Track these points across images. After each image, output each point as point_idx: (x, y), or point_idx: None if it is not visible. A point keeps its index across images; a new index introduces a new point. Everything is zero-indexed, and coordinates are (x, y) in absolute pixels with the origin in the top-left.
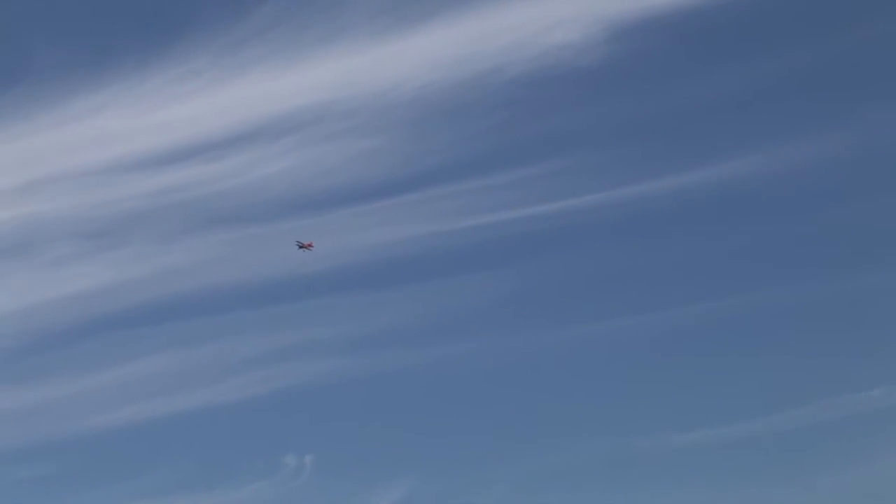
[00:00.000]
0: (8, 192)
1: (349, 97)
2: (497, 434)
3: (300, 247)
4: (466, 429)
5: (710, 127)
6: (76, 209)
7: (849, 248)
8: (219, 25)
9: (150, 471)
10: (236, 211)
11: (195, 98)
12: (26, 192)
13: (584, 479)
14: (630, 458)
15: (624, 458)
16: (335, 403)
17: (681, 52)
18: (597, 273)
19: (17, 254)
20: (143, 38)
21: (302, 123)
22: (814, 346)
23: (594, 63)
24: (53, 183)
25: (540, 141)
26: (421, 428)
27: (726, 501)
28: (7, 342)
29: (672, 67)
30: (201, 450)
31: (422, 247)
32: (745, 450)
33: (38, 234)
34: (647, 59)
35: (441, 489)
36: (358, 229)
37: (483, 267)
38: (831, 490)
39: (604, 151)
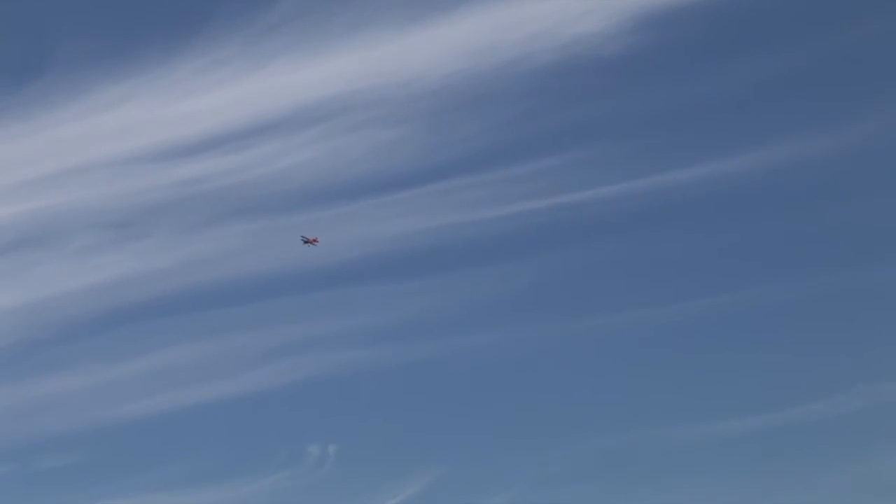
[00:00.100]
0: (32, 183)
1: (373, 87)
2: (519, 424)
3: (305, 241)
4: (487, 420)
5: (737, 117)
6: (100, 200)
7: (859, 244)
8: (243, 16)
9: (173, 461)
10: (260, 201)
11: (219, 88)
12: (50, 183)
13: (602, 472)
14: (647, 453)
15: (641, 452)
16: (359, 394)
17: (707, 41)
18: (619, 264)
19: (41, 244)
20: (167, 28)
21: (326, 114)
22: (819, 342)
23: (619, 53)
24: (77, 173)
25: (564, 131)
26: (444, 419)
27: (740, 495)
28: (31, 332)
29: (697, 57)
30: (224, 440)
31: (445, 237)
32: (765, 443)
33: (62, 225)
34: (672, 49)
35: (463, 480)
36: (381, 219)
37: (508, 257)
38: (831, 486)
39: (628, 142)
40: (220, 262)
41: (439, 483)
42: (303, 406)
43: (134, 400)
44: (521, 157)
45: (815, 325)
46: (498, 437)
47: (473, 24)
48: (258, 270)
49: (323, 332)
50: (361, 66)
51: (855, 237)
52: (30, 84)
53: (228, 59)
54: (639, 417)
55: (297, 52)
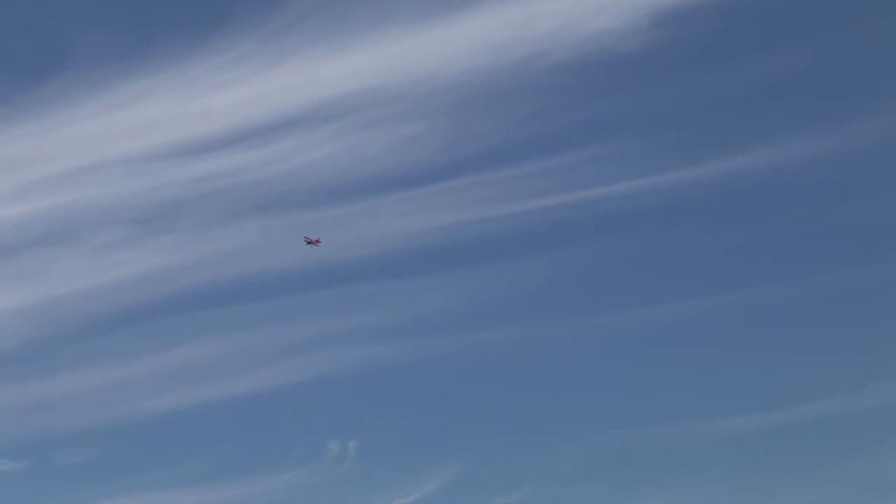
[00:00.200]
0: (51, 180)
1: (390, 84)
2: (533, 421)
3: (308, 242)
4: (502, 416)
5: (751, 114)
6: (118, 197)
7: (870, 242)
8: (260, 13)
9: (193, 457)
10: (277, 198)
11: (237, 86)
12: (69, 180)
13: (614, 470)
14: (658, 450)
15: (653, 450)
16: (379, 389)
17: (722, 38)
18: (634, 262)
19: (59, 241)
20: (186, 25)
21: (344, 110)
22: (828, 340)
23: (634, 50)
24: (96, 171)
25: (579, 128)
26: (461, 415)
27: (749, 493)
28: (50, 329)
29: (713, 54)
30: (244, 436)
31: (461, 234)
32: (773, 441)
33: (81, 222)
34: (688, 46)
35: (479, 477)
36: (397, 216)
37: (523, 254)
38: (838, 484)
39: (644, 139)
40: (238, 259)
41: (456, 480)
42: (322, 402)
43: (152, 396)
44: (536, 154)
45: (826, 323)
46: (513, 434)
47: (489, 21)
48: (276, 267)
49: (341, 328)
50: (378, 63)
51: (865, 235)
52: (48, 81)
53: (245, 56)
54: (651, 415)
55: (314, 49)
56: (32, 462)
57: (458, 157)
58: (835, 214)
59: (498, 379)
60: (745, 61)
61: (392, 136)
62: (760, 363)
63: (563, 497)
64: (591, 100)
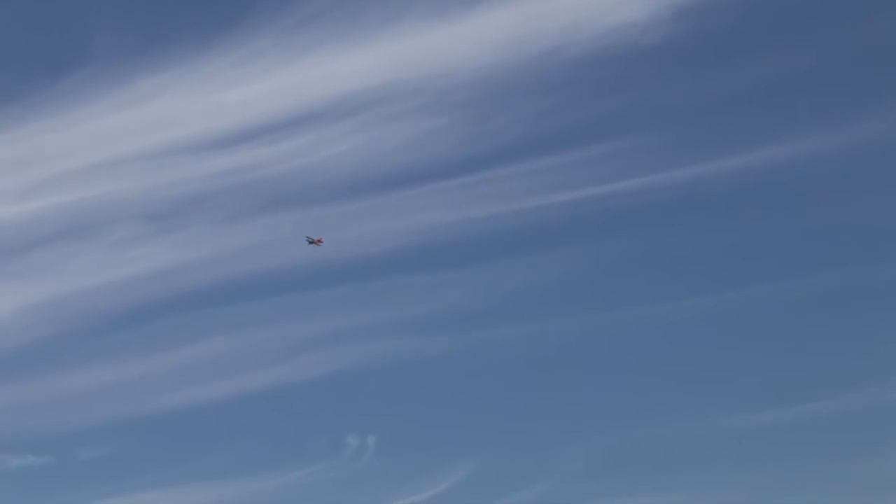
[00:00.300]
0: (69, 176)
1: (408, 79)
2: (551, 417)
3: (310, 242)
4: (521, 411)
5: (773, 109)
6: (138, 191)
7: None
8: (280, 7)
9: (211, 453)
10: (298, 193)
11: (256, 80)
12: (87, 176)
13: (632, 466)
14: (677, 446)
15: (672, 446)
16: (398, 384)
17: (747, 31)
18: (654, 257)
19: (79, 236)
20: (203, 21)
21: (363, 105)
22: (842, 338)
23: (654, 43)
24: (114, 166)
25: (599, 122)
26: (479, 409)
27: (770, 488)
28: (69, 325)
29: (734, 48)
30: (263, 430)
31: (479, 228)
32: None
33: (99, 217)
34: (708, 39)
35: (497, 472)
36: (416, 211)
37: (543, 249)
38: (844, 481)
39: (665, 133)
40: (257, 254)
41: (474, 476)
42: (340, 398)
43: (170, 392)
44: (554, 150)
45: (837, 321)
46: (531, 429)
47: (508, 14)
48: (292, 263)
49: (357, 323)
50: (396, 57)
51: (887, 230)
52: (66, 77)
53: (264, 50)
54: (666, 412)
55: (333, 43)
56: (53, 457)
57: (475, 153)
58: (859, 210)
59: (514, 375)
60: (768, 56)
61: (409, 132)
62: (780, 360)
63: (579, 493)
64: (609, 95)
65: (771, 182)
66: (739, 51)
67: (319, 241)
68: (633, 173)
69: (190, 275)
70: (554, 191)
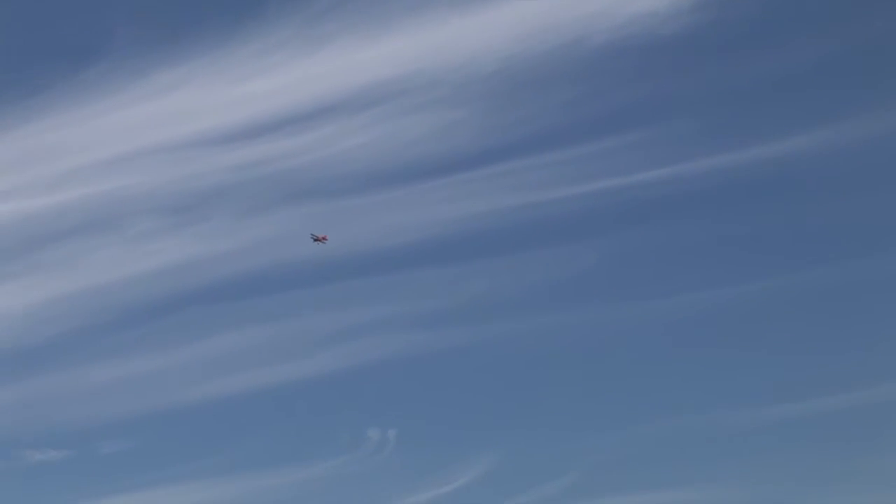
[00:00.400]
0: (90, 168)
1: (431, 69)
2: (576, 408)
3: (315, 239)
4: (545, 403)
5: (800, 98)
6: (160, 184)
7: None
8: None
9: (232, 447)
10: (319, 185)
11: (277, 71)
12: (108, 168)
13: (658, 457)
14: (703, 437)
15: (698, 436)
16: (418, 377)
17: (768, 19)
18: (681, 246)
19: (101, 229)
20: (223, 12)
21: (384, 96)
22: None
23: (676, 33)
24: (135, 158)
25: (622, 112)
26: (502, 402)
27: (801, 475)
28: (90, 318)
29: (756, 37)
30: (284, 424)
31: (503, 220)
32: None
33: (121, 210)
34: (734, 27)
35: (520, 465)
36: (439, 202)
37: (567, 240)
38: (869, 474)
39: (689, 121)
40: (279, 246)
41: (497, 469)
42: (362, 390)
43: (193, 385)
44: (576, 140)
45: (864, 314)
46: (555, 422)
47: (530, 5)
48: (317, 254)
49: (383, 315)
50: (418, 48)
51: None
52: (87, 69)
53: (285, 42)
54: (696, 403)
55: (354, 34)
56: (74, 451)
57: (497, 144)
58: (884, 199)
59: (539, 366)
60: (789, 46)
61: (431, 123)
62: (813, 347)
63: (605, 486)
64: (629, 85)
65: (802, 170)
66: (760, 41)
67: (324, 238)
68: (659, 163)
69: (210, 268)
70: (575, 182)
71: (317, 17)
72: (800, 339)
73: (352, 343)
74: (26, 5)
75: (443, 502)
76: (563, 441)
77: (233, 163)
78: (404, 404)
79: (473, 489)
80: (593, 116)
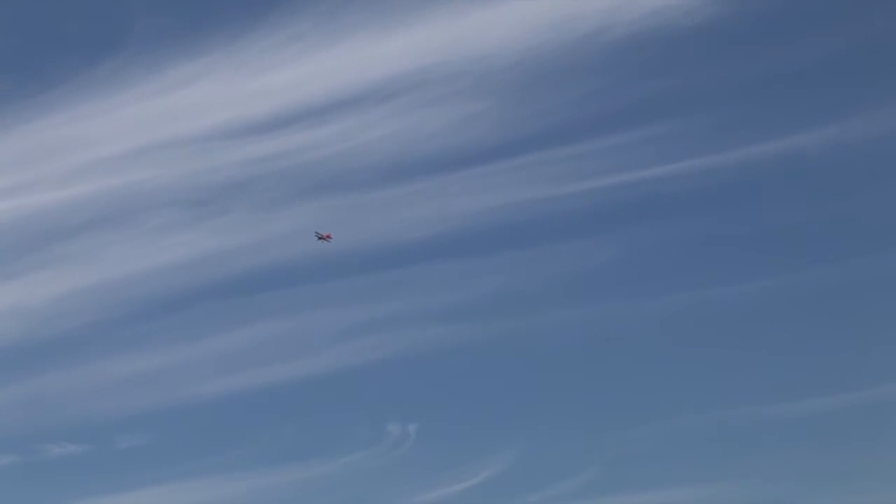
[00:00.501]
0: (108, 161)
1: (451, 61)
2: (597, 402)
3: (319, 238)
4: (566, 397)
5: (823, 90)
6: (176, 178)
7: None
8: None
9: (250, 441)
10: (340, 177)
11: (296, 64)
12: (127, 161)
13: (678, 453)
14: (725, 433)
15: (720, 432)
16: (438, 371)
17: (791, 11)
18: (701, 240)
19: (117, 223)
20: (241, 4)
21: (404, 88)
22: None
23: (699, 24)
24: (153, 151)
25: (643, 105)
26: (523, 396)
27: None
28: (108, 312)
29: (778, 29)
30: (304, 419)
31: (524, 213)
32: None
33: (140, 203)
34: (756, 18)
35: (541, 461)
36: (459, 195)
37: (587, 234)
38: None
39: (710, 115)
40: (297, 240)
41: (518, 464)
42: (382, 385)
43: (210, 380)
44: (598, 133)
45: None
46: (575, 417)
47: None
48: (335, 247)
49: (401, 309)
50: (436, 40)
51: None
52: (104, 62)
53: (302, 34)
54: (718, 397)
55: (373, 26)
56: (91, 446)
57: (519, 136)
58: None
59: (559, 361)
60: (812, 39)
61: (451, 115)
62: (840, 341)
63: (625, 482)
64: (654, 76)
65: (826, 163)
66: (783, 33)
67: (328, 236)
68: (680, 156)
69: (229, 262)
70: (599, 175)
71: (335, 10)
72: (828, 336)
73: (372, 337)
74: None
75: (462, 498)
76: (585, 436)
77: (250, 156)
78: (424, 399)
79: (494, 484)
80: (613, 109)
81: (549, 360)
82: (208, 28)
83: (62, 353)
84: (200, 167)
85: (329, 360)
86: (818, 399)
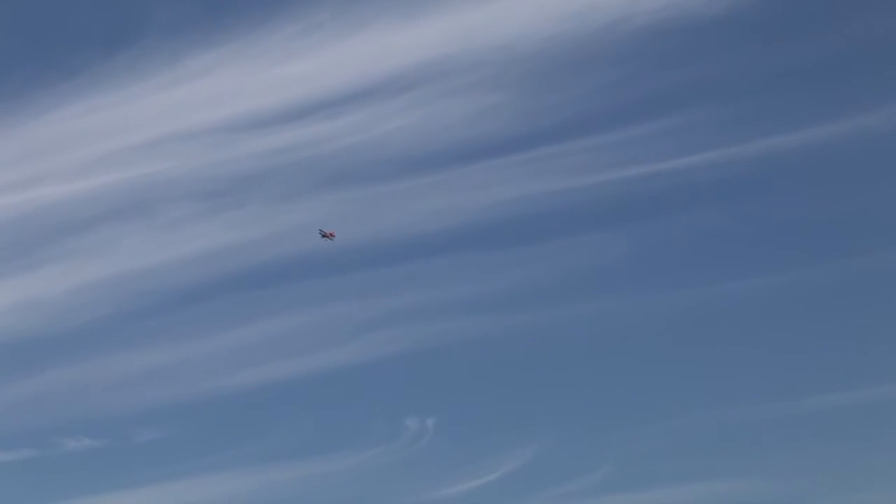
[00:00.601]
0: (125, 153)
1: (470, 51)
2: (617, 400)
3: (322, 235)
4: (583, 391)
5: (843, 81)
6: (193, 169)
7: None
8: None
9: (270, 434)
10: (356, 169)
11: (314, 54)
12: (143, 153)
13: (697, 448)
14: (743, 429)
15: (736, 428)
16: (457, 365)
17: (813, 0)
18: (718, 233)
19: (135, 215)
20: None
21: (422, 79)
22: None
23: (721, 13)
24: (170, 143)
25: (663, 96)
26: (541, 391)
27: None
28: (125, 304)
29: (804, 17)
30: (321, 413)
31: (543, 205)
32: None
33: (156, 195)
34: (777, 9)
35: (562, 455)
36: (477, 188)
37: (606, 226)
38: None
39: (729, 106)
40: (313, 232)
41: (536, 460)
42: (400, 379)
43: (227, 373)
44: (617, 124)
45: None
46: (594, 412)
47: None
48: (353, 240)
49: (419, 302)
50: (457, 30)
51: None
52: (122, 53)
53: (321, 24)
54: (735, 394)
55: (392, 16)
56: (109, 440)
57: (536, 128)
58: None
59: (578, 355)
60: (835, 27)
61: (468, 106)
62: (865, 335)
63: (643, 478)
64: (674, 67)
65: (847, 154)
66: (804, 23)
67: (332, 234)
68: (700, 148)
69: (246, 254)
70: (618, 166)
71: (353, 0)
72: (851, 328)
73: (390, 330)
74: None
75: (481, 493)
76: (603, 432)
77: (267, 148)
78: (443, 393)
79: (512, 480)
80: (632, 100)
81: (563, 355)
82: (225, 19)
83: (77, 347)
84: (216, 159)
85: (346, 353)
86: (827, 395)
